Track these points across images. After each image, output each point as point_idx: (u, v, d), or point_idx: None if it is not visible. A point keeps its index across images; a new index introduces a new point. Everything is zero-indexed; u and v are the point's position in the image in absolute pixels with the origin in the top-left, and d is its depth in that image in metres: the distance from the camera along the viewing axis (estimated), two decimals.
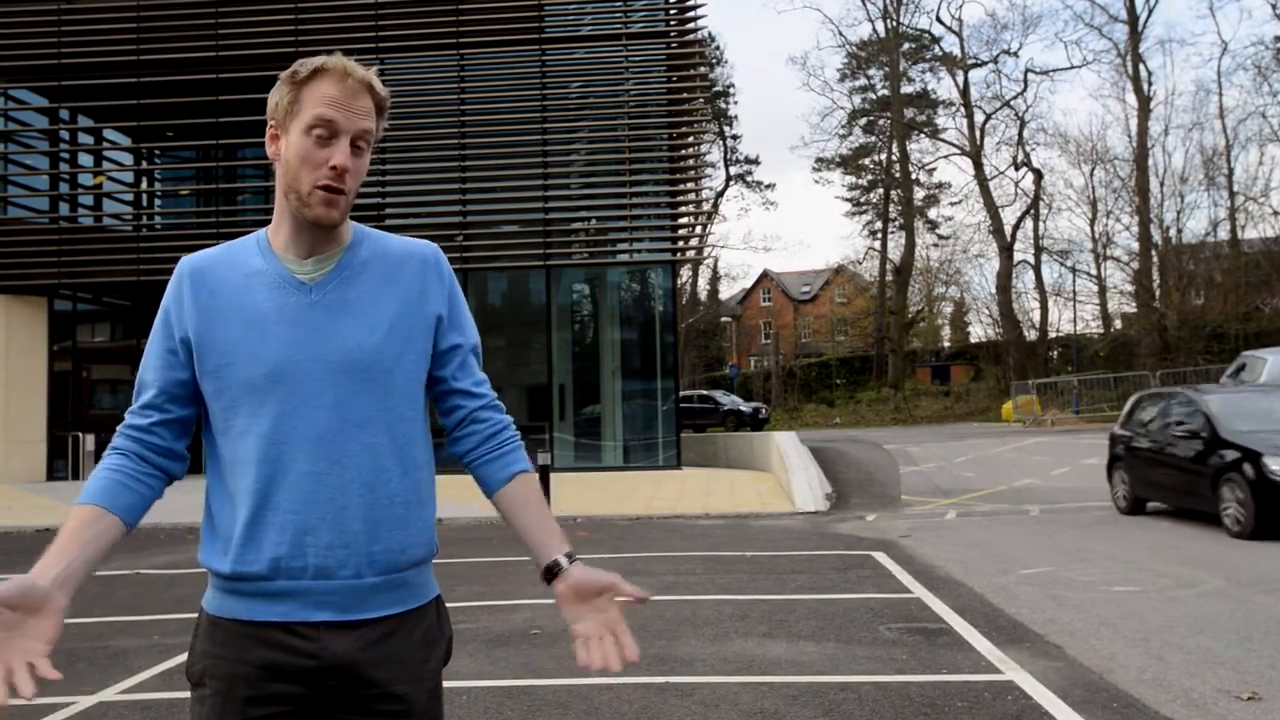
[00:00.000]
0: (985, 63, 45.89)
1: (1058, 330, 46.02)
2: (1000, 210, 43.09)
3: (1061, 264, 45.09)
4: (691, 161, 20.53)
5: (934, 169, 52.06)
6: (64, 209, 21.23)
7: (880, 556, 8.96)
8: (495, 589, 7.72)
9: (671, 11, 20.03)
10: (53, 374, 20.56)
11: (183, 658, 4.92)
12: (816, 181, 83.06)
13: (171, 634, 6.34)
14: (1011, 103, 44.07)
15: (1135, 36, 38.65)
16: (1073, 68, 77.72)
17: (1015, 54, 62.30)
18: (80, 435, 20.13)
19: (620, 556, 9.34)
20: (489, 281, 20.68)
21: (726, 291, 61.82)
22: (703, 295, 55.02)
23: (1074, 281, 45.09)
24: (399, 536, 1.63)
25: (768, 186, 55.29)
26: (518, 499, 1.76)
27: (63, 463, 20.35)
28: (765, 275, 69.28)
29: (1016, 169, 44.02)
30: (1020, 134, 43.44)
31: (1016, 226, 43.34)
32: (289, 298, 1.64)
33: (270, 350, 1.60)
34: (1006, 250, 42.36)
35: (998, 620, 6.22)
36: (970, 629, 5.96)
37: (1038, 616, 6.28)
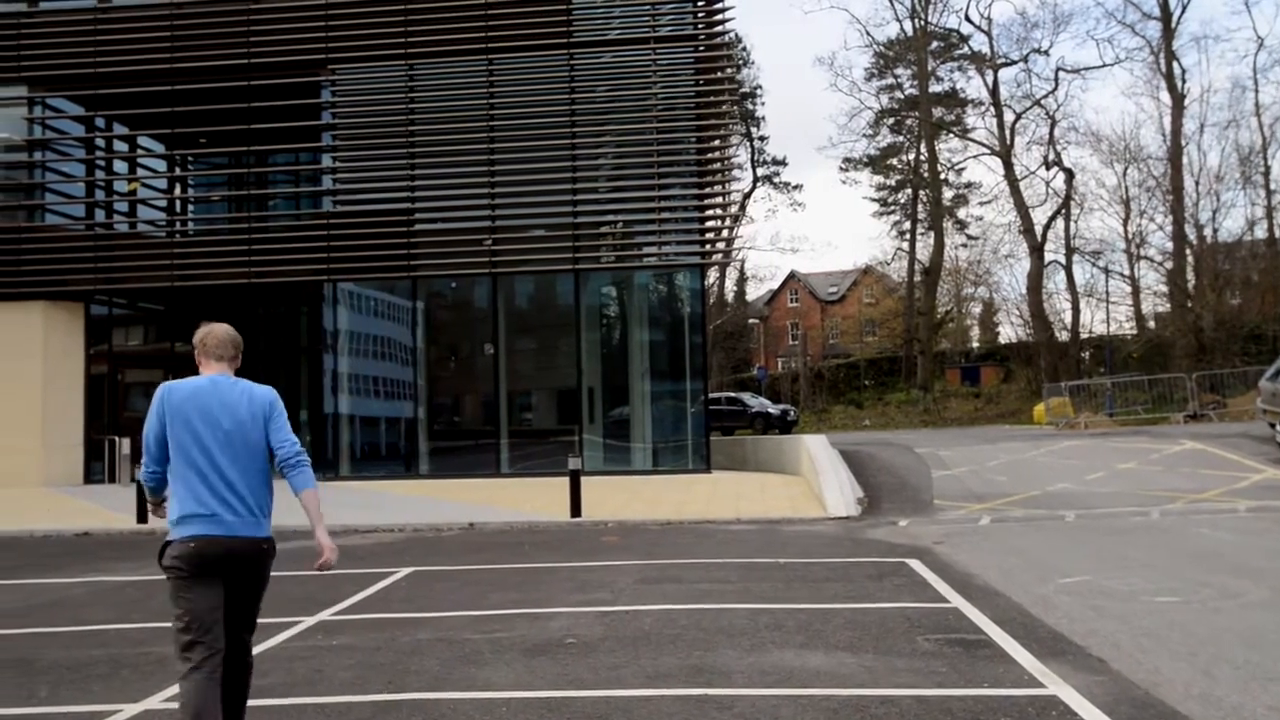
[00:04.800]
0: (1015, 61, 45.39)
1: (1089, 331, 45.50)
2: (1030, 210, 42.62)
3: (1093, 264, 44.61)
4: (719, 164, 20.47)
5: (963, 169, 51.47)
6: (100, 215, 21.52)
7: (915, 564, 8.89)
8: (530, 596, 7.73)
9: (699, 15, 20.00)
10: (89, 378, 20.85)
11: None
12: (844, 182, 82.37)
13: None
14: (1042, 101, 43.54)
15: (1169, 33, 38.09)
16: (1105, 66, 76.47)
17: (1046, 52, 61.52)
18: (116, 439, 20.40)
19: (653, 563, 9.33)
20: (517, 285, 20.73)
21: (753, 293, 61.67)
22: (730, 297, 54.85)
23: (1107, 282, 44.53)
24: None
25: (795, 187, 55.01)
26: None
27: (99, 465, 20.63)
28: (792, 276, 69.03)
29: (1047, 168, 43.52)
30: (1051, 133, 42.94)
31: (1047, 226, 42.87)
32: None
33: None
34: (1037, 250, 41.88)
35: (1038, 631, 6.15)
36: (1010, 640, 5.90)
37: (1079, 628, 6.20)
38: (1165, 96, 38.19)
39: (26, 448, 19.71)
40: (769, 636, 6.16)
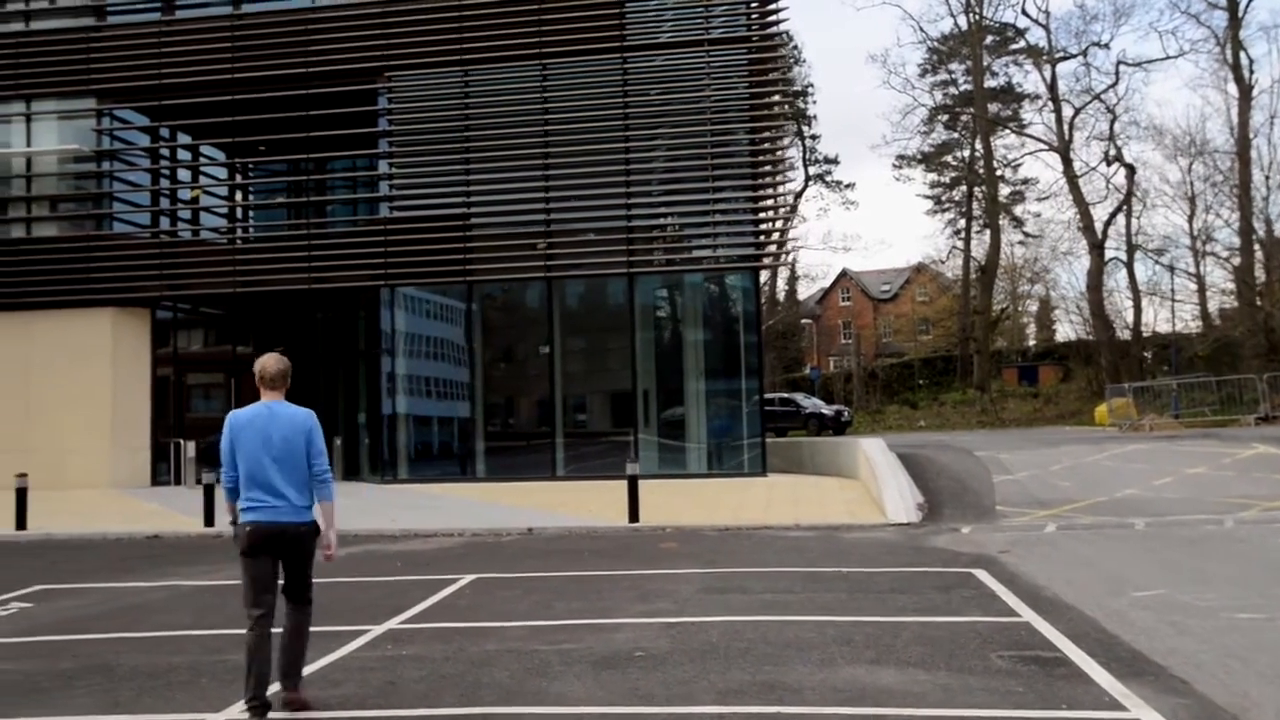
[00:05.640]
0: (1074, 55, 44.48)
1: (1152, 330, 44.42)
2: (1090, 207, 41.74)
3: (1157, 261, 43.55)
4: (772, 165, 20.36)
5: (1019, 165, 50.50)
6: (165, 223, 22.06)
7: (981, 574, 8.75)
8: (593, 605, 7.75)
9: (753, 16, 19.90)
10: (154, 381, 21.37)
11: (306, 672, 5.13)
12: (897, 179, 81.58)
13: None
14: (1102, 96, 42.63)
15: (1235, 23, 37.04)
16: (1168, 58, 74.85)
17: (1106, 46, 60.27)
18: (181, 442, 20.90)
19: (714, 572, 9.30)
20: (571, 287, 20.79)
21: (804, 291, 61.27)
22: (781, 296, 54.51)
23: (1171, 280, 43.36)
24: None
25: (847, 186, 54.38)
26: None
27: (164, 466, 21.15)
28: (844, 274, 68.43)
29: (1108, 164, 42.58)
30: (1112, 128, 42.03)
31: (1108, 223, 41.93)
32: None
33: None
34: (1097, 248, 41.00)
35: (1115, 649, 6.01)
36: (1087, 659, 5.77)
37: (1158, 646, 6.05)
38: (1232, 88, 37.17)
39: (97, 450, 20.29)
40: (838, 651, 6.10)
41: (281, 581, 5.16)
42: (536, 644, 6.47)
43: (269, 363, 5.21)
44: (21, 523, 13.91)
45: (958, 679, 5.43)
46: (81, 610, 8.31)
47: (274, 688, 5.13)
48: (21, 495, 13.99)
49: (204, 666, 6.18)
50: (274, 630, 5.08)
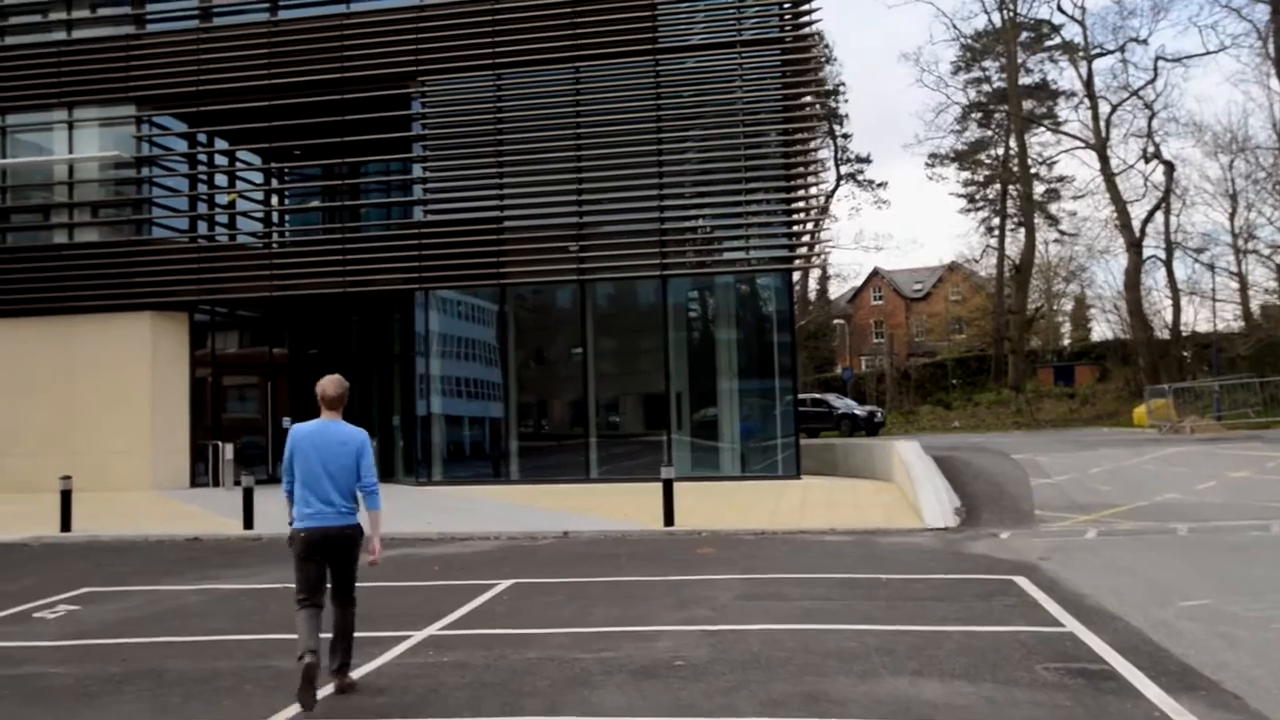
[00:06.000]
0: (1111, 51, 43.93)
1: (1192, 330, 43.71)
2: (1128, 205, 41.15)
3: (1196, 260, 42.83)
4: (805, 167, 20.27)
5: (1055, 162, 49.85)
6: (202, 228, 22.35)
7: (1022, 582, 8.65)
8: (632, 612, 7.75)
9: (785, 17, 19.81)
10: (193, 384, 21.65)
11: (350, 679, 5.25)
12: (929, 178, 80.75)
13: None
14: (1140, 92, 42.02)
15: (1278, 17, 36.36)
16: (1208, 53, 73.62)
17: (1144, 41, 59.31)
18: (219, 444, 21.17)
19: (751, 578, 9.27)
20: (603, 288, 20.77)
21: (835, 291, 60.93)
22: (812, 296, 54.21)
23: (1212, 278, 42.63)
24: None
25: (879, 185, 53.91)
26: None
27: (202, 467, 21.43)
28: (876, 273, 67.97)
29: (1146, 161, 41.96)
30: (1150, 125, 41.41)
31: (1146, 221, 41.34)
32: None
33: None
34: (1135, 246, 40.43)
35: (1164, 663, 5.91)
36: (1135, 672, 5.68)
37: (1208, 659, 5.94)
38: (1275, 83, 36.82)
39: (138, 452, 20.60)
40: (880, 662, 6.05)
41: (329, 585, 5.76)
42: (577, 652, 6.48)
43: (329, 386, 5.82)
44: (67, 524, 14.16)
45: (1003, 692, 5.37)
46: (126, 613, 8.44)
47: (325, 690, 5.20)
48: (67, 498, 14.24)
49: (249, 672, 6.25)
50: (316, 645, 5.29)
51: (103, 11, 22.36)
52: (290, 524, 5.70)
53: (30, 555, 12.71)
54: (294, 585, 5.68)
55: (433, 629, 7.32)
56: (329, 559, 5.66)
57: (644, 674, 5.91)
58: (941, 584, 8.76)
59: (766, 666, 6.00)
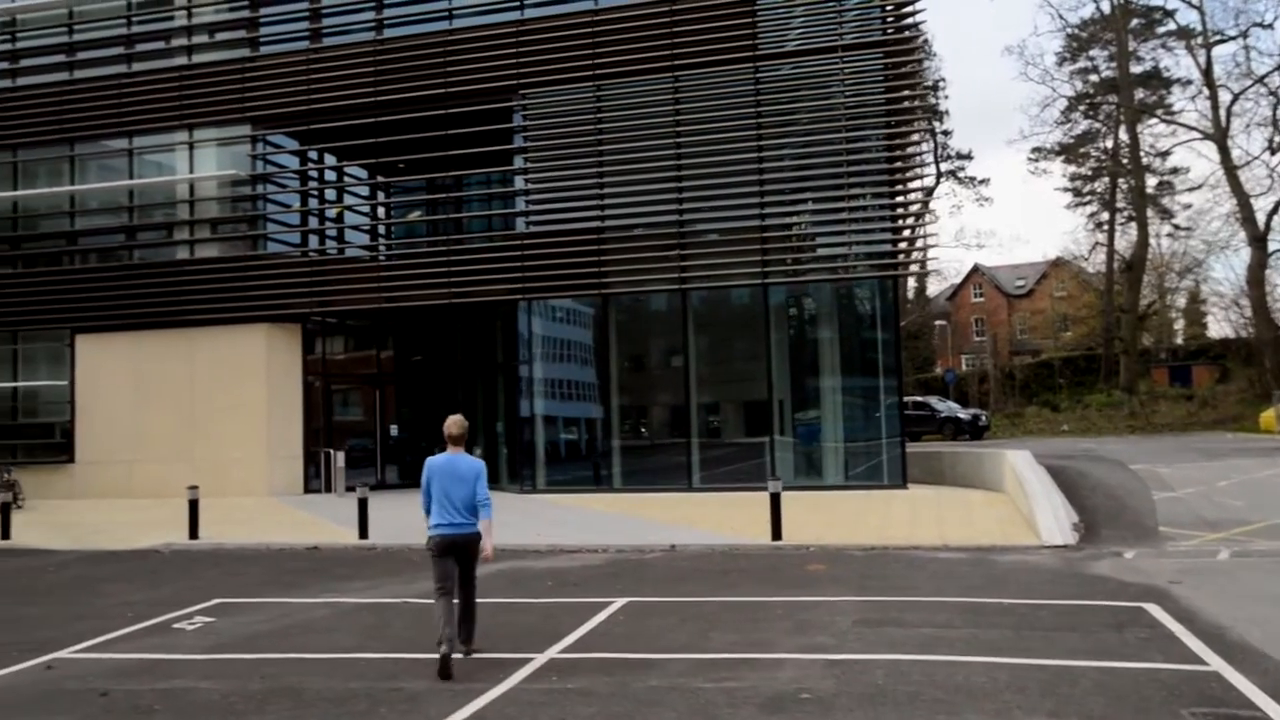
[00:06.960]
0: (1233, 37, 41.82)
1: None
2: (1252, 198, 39.10)
3: None
4: (908, 172, 19.85)
5: (1168, 154, 47.68)
6: (314, 242, 23.12)
7: (1154, 610, 8.31)
8: (750, 638, 7.71)
9: (888, 20, 19.44)
10: (305, 392, 22.43)
11: (479, 704, 5.35)
12: (1033, 172, 77.89)
13: (460, 677, 6.68)
14: (1265, 79, 39.85)
15: None
16: None
17: (1269, 26, 55.75)
18: (331, 452, 21.88)
19: (868, 600, 9.12)
20: (705, 296, 20.71)
21: (934, 288, 59.56)
22: (910, 294, 53.08)
23: None
24: None
25: (981, 182, 52.37)
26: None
27: (314, 472, 22.19)
28: (976, 269, 66.22)
29: (1271, 153, 39.78)
30: (1275, 114, 39.25)
31: (1272, 214, 39.18)
32: None
33: None
34: (1259, 241, 38.41)
35: None
36: None
37: None
38: None
39: (255, 459, 21.44)
40: (1013, 700, 5.89)
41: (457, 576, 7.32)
42: (699, 681, 6.47)
43: (453, 427, 7.39)
44: (194, 533, 14.82)
45: None
46: (258, 626, 8.78)
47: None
48: (194, 507, 14.90)
49: (380, 694, 6.43)
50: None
51: (220, 36, 23.32)
52: (429, 530, 7.26)
53: (163, 561, 13.34)
54: (432, 579, 7.23)
55: (553, 651, 7.42)
56: (457, 557, 7.22)
57: (770, 707, 5.87)
58: (1067, 610, 8.47)
59: (894, 702, 5.90)
